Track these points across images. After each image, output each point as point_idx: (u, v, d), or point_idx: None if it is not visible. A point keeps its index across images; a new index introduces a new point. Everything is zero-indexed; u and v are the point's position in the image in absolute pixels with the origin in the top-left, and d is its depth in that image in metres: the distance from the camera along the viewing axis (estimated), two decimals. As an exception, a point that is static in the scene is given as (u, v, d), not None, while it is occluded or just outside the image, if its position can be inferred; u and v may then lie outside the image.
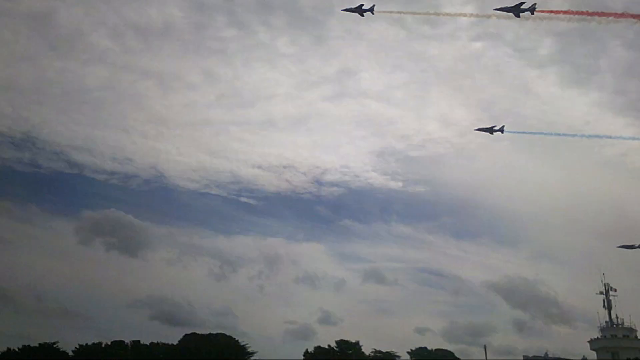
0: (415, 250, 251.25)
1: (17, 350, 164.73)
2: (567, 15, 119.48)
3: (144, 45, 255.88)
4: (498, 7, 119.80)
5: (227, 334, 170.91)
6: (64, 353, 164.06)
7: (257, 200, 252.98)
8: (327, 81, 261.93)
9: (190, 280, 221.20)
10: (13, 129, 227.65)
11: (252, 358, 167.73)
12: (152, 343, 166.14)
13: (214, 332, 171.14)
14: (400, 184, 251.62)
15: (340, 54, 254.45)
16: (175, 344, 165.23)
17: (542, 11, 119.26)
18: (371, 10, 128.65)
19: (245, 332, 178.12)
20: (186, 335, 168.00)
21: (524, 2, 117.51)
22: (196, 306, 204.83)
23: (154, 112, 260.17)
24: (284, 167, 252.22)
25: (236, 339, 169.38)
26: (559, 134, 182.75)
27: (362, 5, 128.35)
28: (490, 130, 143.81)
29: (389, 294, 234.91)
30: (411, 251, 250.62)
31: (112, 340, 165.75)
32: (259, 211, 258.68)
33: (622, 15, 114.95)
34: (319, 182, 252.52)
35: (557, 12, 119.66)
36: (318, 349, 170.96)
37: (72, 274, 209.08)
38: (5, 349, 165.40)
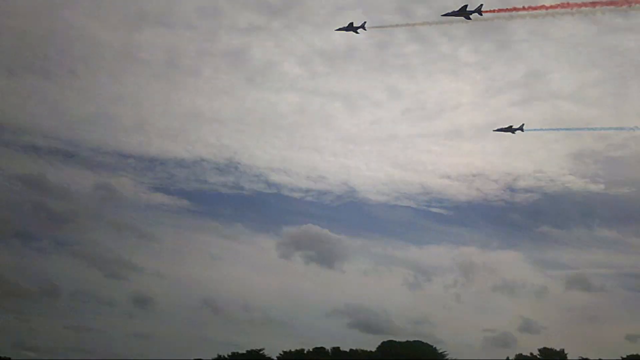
0: (623, 254, 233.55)
1: (226, 356, 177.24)
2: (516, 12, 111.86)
3: (330, 69, 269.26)
4: (444, 13, 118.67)
5: (424, 341, 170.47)
6: (270, 359, 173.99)
7: (448, 209, 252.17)
8: (514, 86, 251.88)
9: (385, 290, 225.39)
10: (218, 156, 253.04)
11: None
12: (351, 349, 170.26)
13: (411, 340, 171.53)
14: (602, 186, 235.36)
15: (527, 57, 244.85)
16: (373, 350, 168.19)
17: (489, 11, 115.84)
18: (363, 27, 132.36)
19: (442, 340, 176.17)
20: (384, 342, 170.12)
21: (467, 5, 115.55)
22: (392, 314, 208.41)
23: (342, 130, 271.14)
24: (474, 175, 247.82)
25: (434, 346, 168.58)
26: None
27: (352, 23, 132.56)
28: (511, 129, 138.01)
29: (595, 301, 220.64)
30: (618, 256, 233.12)
31: (314, 347, 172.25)
32: (450, 221, 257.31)
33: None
34: (511, 189, 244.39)
35: (503, 10, 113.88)
36: (520, 356, 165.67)
37: (275, 286, 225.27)
38: (215, 356, 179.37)
